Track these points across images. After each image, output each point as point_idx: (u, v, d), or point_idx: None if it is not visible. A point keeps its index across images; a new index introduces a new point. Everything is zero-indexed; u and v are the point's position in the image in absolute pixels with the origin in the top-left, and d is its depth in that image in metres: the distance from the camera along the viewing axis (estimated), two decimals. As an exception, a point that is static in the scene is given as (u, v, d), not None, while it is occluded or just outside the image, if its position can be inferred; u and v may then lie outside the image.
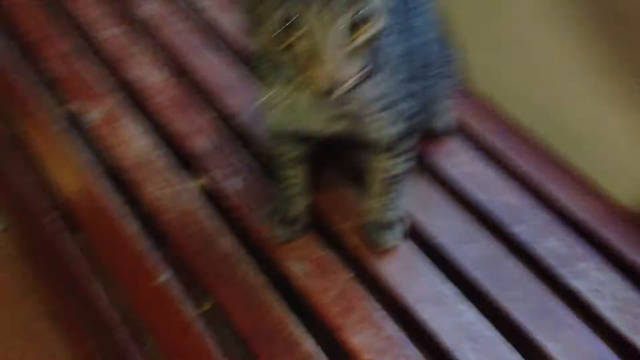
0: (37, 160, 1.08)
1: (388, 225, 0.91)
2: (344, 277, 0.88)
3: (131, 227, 0.96)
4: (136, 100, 1.15)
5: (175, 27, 1.26)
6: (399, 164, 0.87)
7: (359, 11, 0.62)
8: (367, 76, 0.70)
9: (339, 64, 0.62)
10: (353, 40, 0.63)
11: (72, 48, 1.24)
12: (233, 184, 0.99)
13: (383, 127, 0.80)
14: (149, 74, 1.18)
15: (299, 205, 0.93)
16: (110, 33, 1.27)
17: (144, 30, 1.27)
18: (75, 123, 1.12)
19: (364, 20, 0.63)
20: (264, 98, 0.74)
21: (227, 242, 0.92)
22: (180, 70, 1.19)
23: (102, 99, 1.14)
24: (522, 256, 0.91)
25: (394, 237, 0.91)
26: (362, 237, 0.92)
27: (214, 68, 1.18)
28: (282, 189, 0.93)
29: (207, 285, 0.88)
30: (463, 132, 1.08)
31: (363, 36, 0.63)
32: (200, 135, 1.07)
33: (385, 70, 0.74)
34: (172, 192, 0.99)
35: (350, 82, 0.64)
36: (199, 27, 1.27)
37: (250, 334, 0.83)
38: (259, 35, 0.65)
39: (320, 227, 0.94)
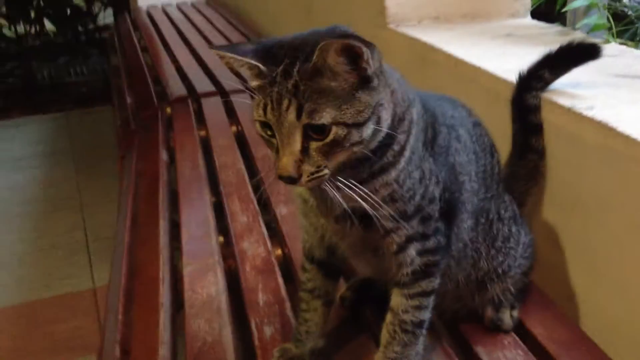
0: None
1: (388, 383, 0.82)
2: None
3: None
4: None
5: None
6: (413, 308, 0.83)
7: (312, 122, 0.69)
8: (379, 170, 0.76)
9: (293, 161, 0.70)
10: (311, 141, 0.70)
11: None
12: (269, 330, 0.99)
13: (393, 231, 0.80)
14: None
15: (305, 345, 0.90)
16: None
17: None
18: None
19: (318, 129, 0.70)
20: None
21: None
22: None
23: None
24: None
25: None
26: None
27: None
28: (297, 324, 0.91)
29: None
30: (521, 331, 0.96)
31: (317, 143, 0.70)
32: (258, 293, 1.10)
33: (400, 170, 0.77)
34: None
35: (309, 177, 0.71)
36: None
37: None
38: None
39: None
